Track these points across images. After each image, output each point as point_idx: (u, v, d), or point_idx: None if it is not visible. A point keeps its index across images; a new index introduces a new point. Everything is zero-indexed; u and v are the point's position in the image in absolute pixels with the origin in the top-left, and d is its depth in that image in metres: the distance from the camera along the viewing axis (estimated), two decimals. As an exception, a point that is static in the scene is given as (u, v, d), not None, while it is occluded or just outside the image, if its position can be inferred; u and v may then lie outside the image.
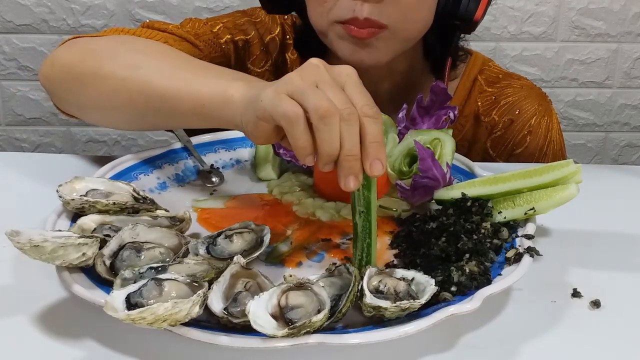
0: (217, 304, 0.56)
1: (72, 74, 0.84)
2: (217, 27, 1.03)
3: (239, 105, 0.69)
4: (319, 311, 0.55)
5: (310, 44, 1.01)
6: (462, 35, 1.02)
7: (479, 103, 1.06)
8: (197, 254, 0.64)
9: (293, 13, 1.05)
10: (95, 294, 0.58)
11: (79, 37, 0.90)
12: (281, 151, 0.86)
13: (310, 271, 0.67)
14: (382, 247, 0.72)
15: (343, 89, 0.63)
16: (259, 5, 1.01)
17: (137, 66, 0.79)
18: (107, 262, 0.62)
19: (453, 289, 0.61)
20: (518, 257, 0.65)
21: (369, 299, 0.57)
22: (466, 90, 1.06)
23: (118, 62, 0.81)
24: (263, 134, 0.66)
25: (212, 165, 0.88)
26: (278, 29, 1.08)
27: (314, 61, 0.65)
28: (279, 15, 1.09)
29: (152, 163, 0.85)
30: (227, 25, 1.04)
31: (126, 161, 0.83)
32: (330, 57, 0.96)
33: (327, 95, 0.61)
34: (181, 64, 0.80)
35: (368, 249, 0.66)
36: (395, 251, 0.71)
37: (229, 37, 1.03)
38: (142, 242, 0.64)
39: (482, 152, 1.05)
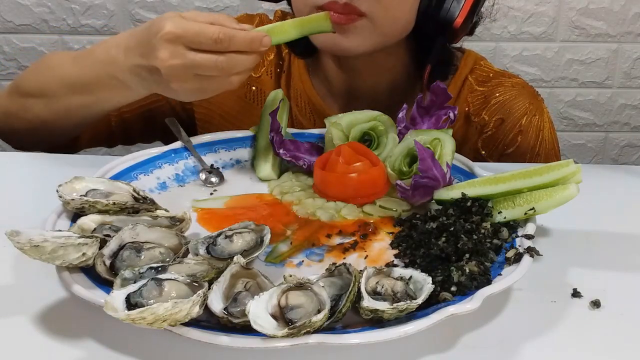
0: (217, 304, 0.56)
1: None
2: None
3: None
4: (319, 311, 0.55)
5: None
6: (447, 45, 1.01)
7: (469, 103, 1.05)
8: (197, 254, 0.64)
9: (287, 9, 1.05)
10: (95, 294, 0.58)
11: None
12: (281, 151, 0.86)
13: (310, 271, 0.67)
14: (382, 247, 0.72)
15: None
16: (257, 7, 1.02)
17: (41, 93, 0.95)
18: (107, 262, 0.62)
19: (453, 289, 0.61)
20: (518, 257, 0.65)
21: (367, 301, 0.57)
22: (456, 89, 1.05)
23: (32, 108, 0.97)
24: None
25: (212, 165, 0.88)
26: None
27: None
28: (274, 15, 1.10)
29: (152, 163, 0.85)
30: None
31: (126, 161, 0.83)
32: (320, 54, 0.97)
33: None
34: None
35: None
36: (395, 251, 0.71)
37: None
38: (142, 242, 0.64)
39: (473, 152, 1.05)
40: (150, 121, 1.09)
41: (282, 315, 0.55)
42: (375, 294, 0.60)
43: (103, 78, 0.87)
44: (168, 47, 0.76)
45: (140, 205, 0.71)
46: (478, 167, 0.84)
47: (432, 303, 0.60)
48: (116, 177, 0.79)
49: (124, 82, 0.84)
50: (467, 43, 1.08)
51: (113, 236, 0.64)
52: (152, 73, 0.79)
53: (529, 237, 0.68)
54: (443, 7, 0.91)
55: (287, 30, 0.84)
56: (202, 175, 0.86)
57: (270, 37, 0.78)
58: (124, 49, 0.82)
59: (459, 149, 0.83)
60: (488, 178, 0.75)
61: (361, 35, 0.91)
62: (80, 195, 0.71)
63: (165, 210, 0.73)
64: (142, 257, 0.63)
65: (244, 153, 0.91)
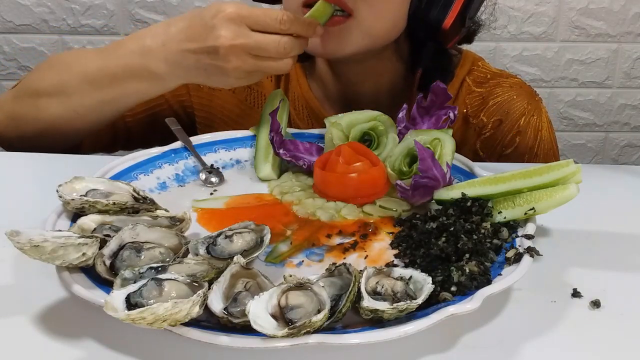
0: (217, 304, 0.56)
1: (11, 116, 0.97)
2: None
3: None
4: (319, 311, 0.55)
5: None
6: (444, 50, 1.00)
7: (468, 104, 1.05)
8: (197, 254, 0.64)
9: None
10: (95, 294, 0.58)
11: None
12: (281, 151, 0.86)
13: (310, 271, 0.67)
14: (382, 247, 0.72)
15: None
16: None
17: (62, 91, 0.92)
18: (107, 262, 0.62)
19: (453, 289, 0.61)
20: (518, 257, 0.65)
21: (367, 301, 0.57)
22: (454, 91, 1.05)
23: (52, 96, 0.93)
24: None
25: (212, 165, 0.88)
26: None
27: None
28: None
29: (152, 163, 0.85)
30: None
31: (126, 161, 0.83)
32: (315, 58, 0.97)
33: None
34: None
35: None
36: (395, 251, 0.71)
37: None
38: (142, 242, 0.64)
39: (472, 154, 1.04)
40: (151, 125, 1.08)
41: (282, 315, 0.55)
42: (375, 294, 0.60)
43: (134, 69, 0.86)
44: (231, 27, 0.78)
45: (140, 205, 0.71)
46: (478, 167, 0.84)
47: (432, 303, 0.60)
48: (116, 177, 0.79)
49: (156, 72, 0.85)
50: (467, 42, 1.09)
51: (113, 236, 0.64)
52: (202, 56, 0.80)
53: (529, 237, 0.68)
54: (432, 9, 0.90)
55: (319, 17, 0.86)
56: (202, 175, 0.86)
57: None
58: (164, 37, 0.83)
59: (457, 151, 0.83)
60: (488, 178, 0.75)
61: (346, 38, 0.90)
62: (80, 195, 0.71)
63: (165, 210, 0.73)
64: (142, 257, 0.63)
65: (244, 153, 0.91)
